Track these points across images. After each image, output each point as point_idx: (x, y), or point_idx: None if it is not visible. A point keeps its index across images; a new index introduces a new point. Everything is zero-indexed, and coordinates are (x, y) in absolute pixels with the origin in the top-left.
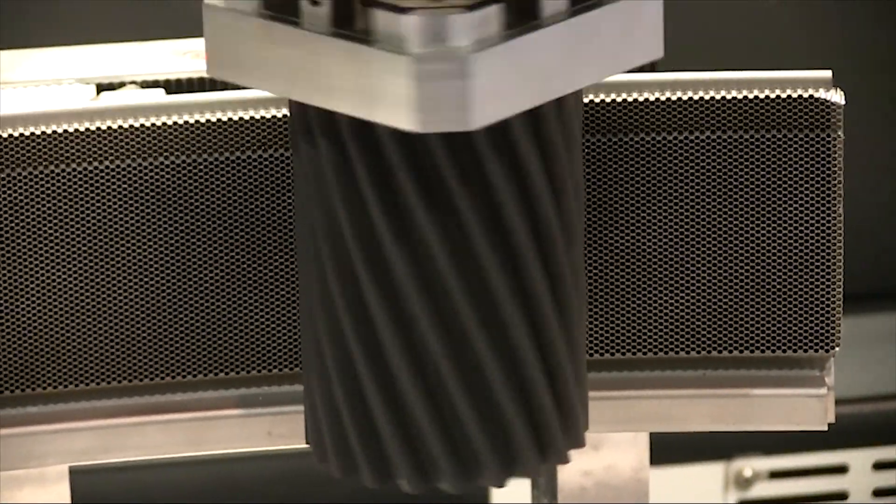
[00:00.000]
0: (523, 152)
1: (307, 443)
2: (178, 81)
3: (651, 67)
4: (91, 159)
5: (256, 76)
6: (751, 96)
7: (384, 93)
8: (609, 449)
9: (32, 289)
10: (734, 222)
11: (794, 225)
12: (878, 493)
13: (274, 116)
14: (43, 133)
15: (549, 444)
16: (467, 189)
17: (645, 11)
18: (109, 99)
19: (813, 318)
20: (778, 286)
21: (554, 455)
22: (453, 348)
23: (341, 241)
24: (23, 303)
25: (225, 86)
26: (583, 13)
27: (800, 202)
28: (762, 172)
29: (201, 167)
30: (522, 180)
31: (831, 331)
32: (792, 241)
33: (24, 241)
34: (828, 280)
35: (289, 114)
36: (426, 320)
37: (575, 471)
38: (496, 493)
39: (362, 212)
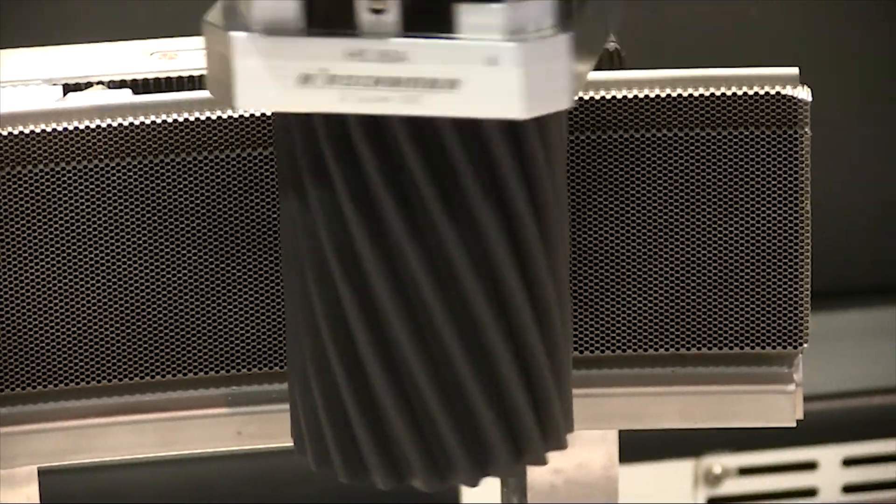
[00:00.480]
0: (498, 151)
1: (291, 435)
2: (146, 82)
3: (618, 65)
4: (58, 160)
5: (316, 100)
6: (717, 93)
7: (485, 85)
8: (579, 447)
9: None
10: (702, 219)
11: (762, 222)
12: (848, 489)
13: (241, 116)
14: (10, 134)
15: (525, 444)
16: (442, 195)
17: None
18: (76, 99)
19: (781, 315)
20: (746, 283)
21: (530, 455)
22: (426, 348)
23: (318, 243)
24: None
25: (192, 85)
26: None
27: (767, 199)
28: (729, 169)
29: (169, 168)
30: (500, 187)
31: (800, 327)
32: (760, 238)
33: None
34: (796, 277)
35: (272, 119)
36: (399, 321)
37: (545, 469)
38: (466, 491)
39: (338, 214)
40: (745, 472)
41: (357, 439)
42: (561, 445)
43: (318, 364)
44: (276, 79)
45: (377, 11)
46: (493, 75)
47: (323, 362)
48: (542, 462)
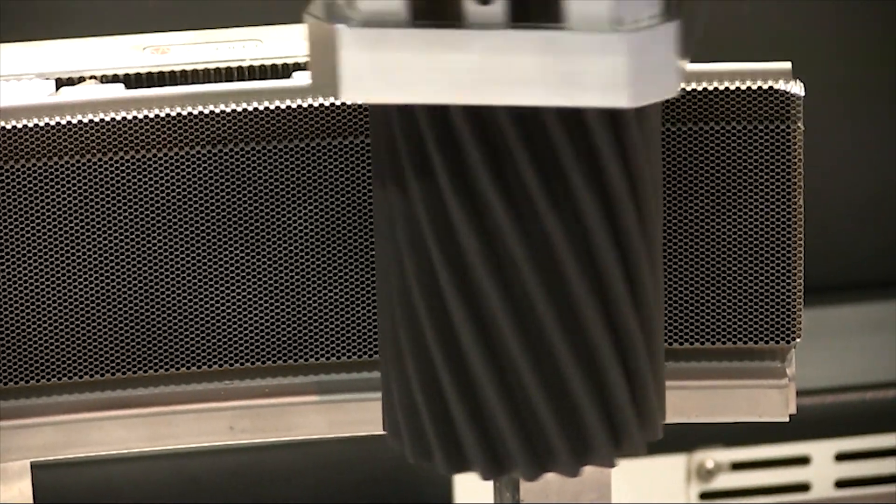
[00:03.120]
0: (600, 141)
1: (383, 427)
2: (138, 76)
3: None
4: (51, 155)
5: (424, 90)
6: (710, 88)
7: (593, 75)
8: None
9: None
10: (694, 214)
11: (755, 216)
12: (841, 484)
13: (234, 111)
14: (2, 129)
15: (623, 433)
16: (543, 177)
17: None
18: (69, 94)
19: (774, 310)
20: (739, 277)
21: (628, 445)
22: (528, 337)
23: (418, 231)
24: None
25: (184, 80)
26: None
27: (760, 193)
28: (722, 164)
29: (161, 162)
30: (599, 168)
31: (792, 322)
32: (752, 233)
33: None
34: (789, 271)
35: (369, 107)
36: (501, 310)
37: None
38: (460, 488)
39: (439, 201)
40: (738, 466)
41: (458, 431)
42: (656, 435)
43: (417, 357)
44: (384, 71)
45: (485, 3)
46: (601, 65)
47: (423, 355)
48: (641, 453)
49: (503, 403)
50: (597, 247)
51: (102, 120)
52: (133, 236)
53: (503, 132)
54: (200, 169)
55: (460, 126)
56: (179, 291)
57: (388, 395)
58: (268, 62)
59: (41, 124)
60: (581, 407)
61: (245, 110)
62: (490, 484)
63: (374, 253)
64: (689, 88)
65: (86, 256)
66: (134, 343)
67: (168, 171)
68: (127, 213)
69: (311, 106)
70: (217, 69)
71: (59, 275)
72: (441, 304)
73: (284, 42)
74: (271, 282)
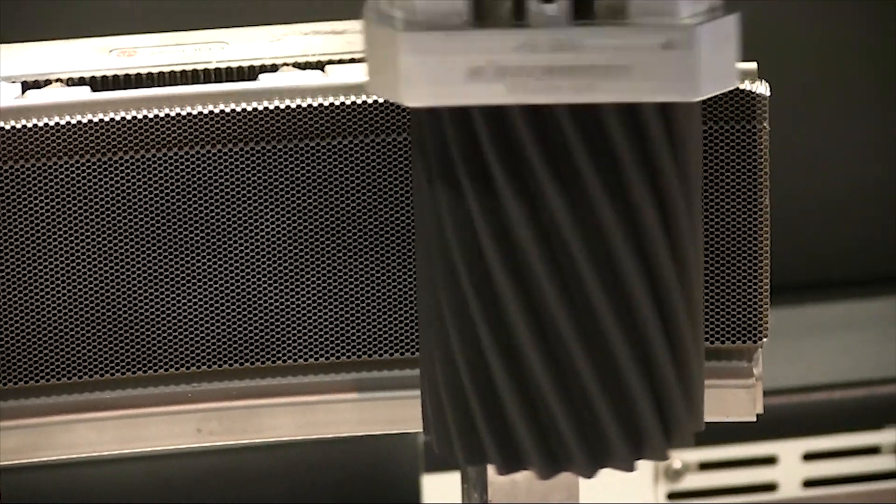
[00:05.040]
0: (653, 131)
1: (424, 431)
2: (104, 79)
3: None
4: (17, 158)
5: (485, 92)
6: None
7: (660, 68)
8: None
9: None
10: None
11: (721, 216)
12: (808, 483)
13: (200, 113)
14: None
15: (675, 426)
16: (597, 169)
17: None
18: (35, 97)
19: (740, 309)
20: (705, 277)
21: (679, 438)
22: (584, 332)
23: (471, 231)
24: None
25: (151, 82)
26: None
27: (726, 193)
28: None
29: (128, 165)
30: (652, 162)
31: (759, 321)
32: (719, 233)
33: None
34: (755, 271)
35: (410, 116)
36: (557, 305)
37: None
38: (428, 490)
39: (494, 199)
40: (706, 466)
41: (513, 430)
42: (700, 426)
43: (470, 356)
44: (445, 74)
45: (548, 1)
46: (668, 59)
47: (476, 353)
48: (690, 444)
49: (560, 400)
50: (651, 241)
51: (69, 123)
52: (100, 239)
53: (561, 128)
54: (168, 171)
55: (518, 124)
56: (148, 294)
57: (434, 400)
58: (234, 64)
59: (7, 127)
60: (637, 400)
61: (213, 112)
62: (458, 485)
63: (339, 253)
64: None
65: (53, 259)
66: (101, 346)
67: (135, 173)
68: (94, 216)
69: (277, 108)
70: (184, 71)
71: (26, 278)
72: (496, 304)
73: (250, 44)
74: (241, 284)
